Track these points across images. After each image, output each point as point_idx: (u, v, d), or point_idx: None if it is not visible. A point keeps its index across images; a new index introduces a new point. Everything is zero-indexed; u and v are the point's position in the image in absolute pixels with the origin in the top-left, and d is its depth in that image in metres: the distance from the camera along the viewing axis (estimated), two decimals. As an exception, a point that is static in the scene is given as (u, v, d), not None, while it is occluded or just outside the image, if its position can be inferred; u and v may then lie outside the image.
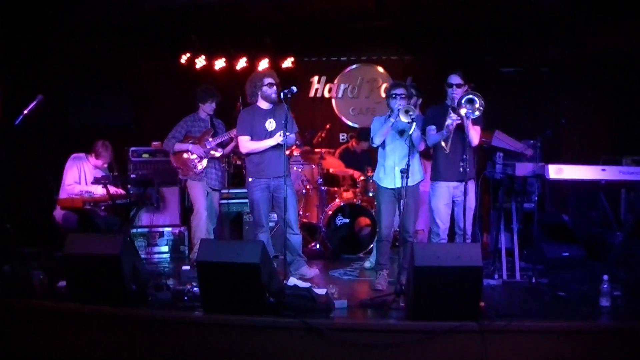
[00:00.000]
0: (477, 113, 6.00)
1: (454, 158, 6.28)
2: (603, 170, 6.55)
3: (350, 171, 8.89)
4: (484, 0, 8.54)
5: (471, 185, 6.35)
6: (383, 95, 6.88)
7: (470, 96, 6.00)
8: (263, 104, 6.96)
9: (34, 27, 8.62)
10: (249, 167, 6.93)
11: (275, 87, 6.87)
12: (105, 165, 7.68)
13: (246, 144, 6.88)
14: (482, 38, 10.15)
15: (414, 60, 11.01)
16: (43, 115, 6.97)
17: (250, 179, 6.93)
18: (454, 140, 6.24)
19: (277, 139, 6.71)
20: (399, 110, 6.13)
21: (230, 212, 8.74)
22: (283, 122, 6.59)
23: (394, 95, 6.40)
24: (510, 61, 10.61)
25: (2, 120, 7.76)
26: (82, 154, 7.63)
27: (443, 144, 6.17)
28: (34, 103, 6.56)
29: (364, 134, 8.86)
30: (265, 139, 6.84)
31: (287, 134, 6.63)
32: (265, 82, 6.87)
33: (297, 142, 7.53)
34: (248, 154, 6.93)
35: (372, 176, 6.91)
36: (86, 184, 7.45)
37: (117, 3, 8.31)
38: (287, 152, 6.92)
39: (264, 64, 10.35)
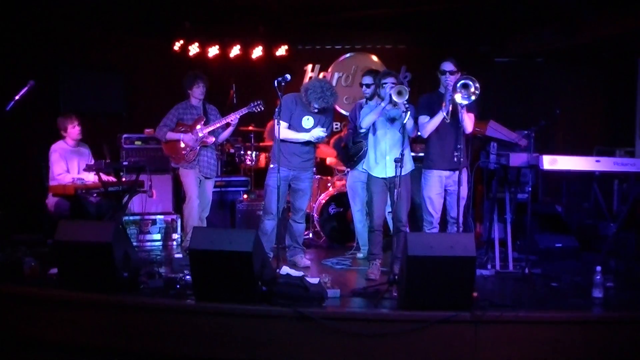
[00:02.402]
0: (472, 97, 5.97)
1: (447, 147, 6.29)
2: (597, 161, 6.54)
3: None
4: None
5: (464, 175, 6.33)
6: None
7: (465, 80, 5.97)
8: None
9: (24, 11, 8.54)
10: (274, 153, 6.86)
11: (317, 112, 6.87)
12: (78, 128, 7.57)
13: (282, 130, 6.77)
14: (476, 27, 10.13)
15: (408, 50, 10.99)
16: (33, 100, 6.92)
17: (272, 165, 6.91)
18: (447, 129, 6.23)
19: (313, 135, 6.79)
20: (390, 94, 6.10)
21: (223, 200, 8.73)
22: (321, 123, 6.84)
23: (383, 84, 6.37)
24: (504, 51, 10.60)
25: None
26: (59, 142, 7.57)
27: (444, 113, 6.13)
28: (26, 88, 6.52)
29: None
30: (299, 131, 6.86)
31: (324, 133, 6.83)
32: (313, 103, 6.79)
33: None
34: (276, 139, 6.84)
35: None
36: (77, 172, 7.41)
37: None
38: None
39: (257, 52, 10.31)
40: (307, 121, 6.91)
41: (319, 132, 6.80)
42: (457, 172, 6.18)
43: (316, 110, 6.87)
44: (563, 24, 8.97)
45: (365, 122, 6.44)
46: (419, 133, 6.49)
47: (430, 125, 6.31)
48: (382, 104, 6.27)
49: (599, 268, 5.52)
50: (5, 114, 6.47)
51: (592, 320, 5.15)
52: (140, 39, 10.07)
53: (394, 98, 6.03)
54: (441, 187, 6.42)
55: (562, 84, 10.51)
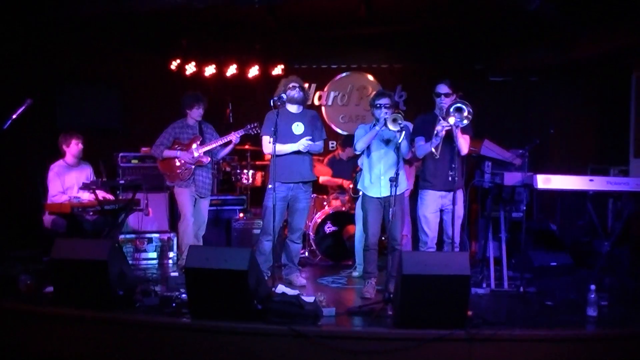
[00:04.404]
0: (465, 121, 6.02)
1: (443, 167, 6.30)
2: (591, 180, 6.56)
3: (339, 181, 8.87)
4: (473, 7, 8.58)
5: (460, 195, 6.35)
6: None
7: (459, 104, 6.02)
8: (291, 108, 6.98)
9: (21, 27, 8.58)
10: (271, 171, 6.78)
11: (299, 89, 6.92)
12: (81, 146, 7.56)
13: (269, 145, 6.78)
14: (471, 46, 10.20)
15: (404, 68, 11.05)
16: (30, 117, 6.94)
17: (269, 185, 6.82)
18: (442, 149, 6.24)
19: (302, 144, 6.78)
20: (385, 119, 6.14)
21: (219, 218, 8.75)
22: (311, 127, 6.86)
23: (378, 105, 6.42)
24: (499, 69, 10.66)
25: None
26: (58, 161, 7.53)
27: (433, 149, 6.18)
28: (23, 107, 6.53)
29: (347, 140, 8.84)
30: (290, 142, 6.84)
31: (312, 142, 6.80)
32: (290, 85, 6.90)
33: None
34: (272, 156, 6.81)
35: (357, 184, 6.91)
36: (77, 189, 7.40)
37: (105, 3, 8.25)
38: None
39: (254, 71, 10.38)
40: (297, 127, 6.92)
41: (305, 141, 6.78)
42: (452, 192, 6.20)
43: (300, 111, 6.96)
44: (556, 40, 9.03)
45: (360, 144, 6.48)
46: (413, 153, 6.52)
47: (423, 149, 6.36)
48: (377, 128, 6.31)
49: (593, 286, 5.55)
50: (2, 132, 6.49)
51: (586, 338, 5.17)
52: (137, 56, 10.11)
53: (390, 126, 6.07)
54: (437, 206, 6.44)
55: (556, 102, 10.56)
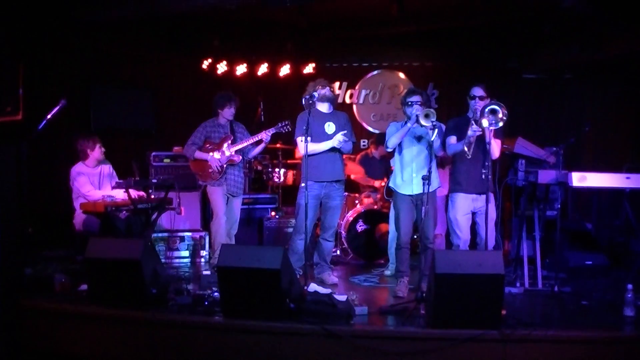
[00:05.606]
0: (500, 124, 5.92)
1: (474, 169, 6.23)
2: (627, 178, 6.47)
3: (372, 181, 8.87)
4: (506, 5, 8.50)
5: (491, 197, 6.27)
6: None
7: (493, 106, 5.91)
8: (322, 107, 7.01)
9: (55, 32, 8.68)
10: (303, 171, 6.74)
11: (328, 87, 6.99)
12: (102, 150, 7.53)
13: (304, 145, 6.72)
14: (504, 44, 10.11)
15: (436, 66, 10.99)
16: (65, 118, 7.01)
17: (302, 184, 6.77)
18: (474, 151, 6.17)
19: (337, 139, 6.77)
20: (417, 115, 6.10)
21: (251, 217, 8.77)
22: (343, 128, 6.87)
23: (410, 103, 6.38)
24: (532, 67, 10.56)
25: (24, 119, 7.83)
26: (78, 164, 7.47)
27: (466, 148, 6.11)
28: (57, 108, 6.59)
29: (380, 138, 8.80)
30: (324, 141, 6.87)
31: (346, 139, 6.81)
32: (319, 85, 6.93)
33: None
34: (307, 156, 6.78)
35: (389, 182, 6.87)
36: (99, 188, 7.45)
37: (137, 4, 8.31)
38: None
39: (285, 70, 10.38)
40: (329, 127, 6.94)
41: (340, 136, 6.78)
42: (484, 195, 6.14)
43: (330, 111, 7.00)
44: (590, 38, 8.91)
45: (391, 142, 6.44)
46: (447, 153, 6.47)
47: (454, 147, 6.29)
48: (409, 124, 6.27)
49: (630, 286, 5.45)
50: (38, 133, 6.56)
51: (624, 340, 5.08)
52: (168, 57, 10.19)
53: (422, 122, 6.02)
54: (468, 209, 6.38)
55: (591, 100, 10.44)
